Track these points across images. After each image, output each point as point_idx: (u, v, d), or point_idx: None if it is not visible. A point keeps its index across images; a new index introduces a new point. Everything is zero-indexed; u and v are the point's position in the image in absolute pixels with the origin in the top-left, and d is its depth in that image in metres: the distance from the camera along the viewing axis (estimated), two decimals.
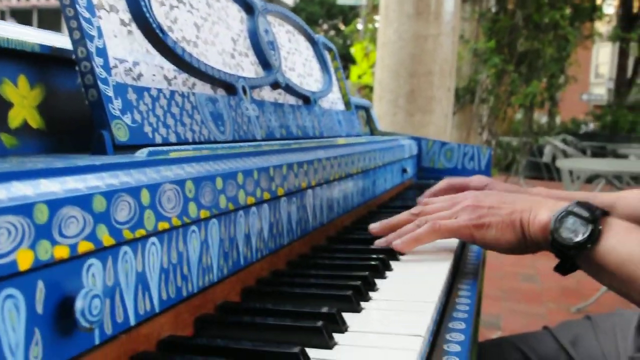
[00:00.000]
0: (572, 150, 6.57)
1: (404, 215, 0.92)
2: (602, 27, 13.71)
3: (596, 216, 0.71)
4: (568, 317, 2.23)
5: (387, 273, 0.78)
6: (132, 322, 0.46)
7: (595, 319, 1.07)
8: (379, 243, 0.89)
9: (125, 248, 0.45)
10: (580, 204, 0.73)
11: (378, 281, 0.73)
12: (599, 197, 1.12)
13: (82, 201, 0.40)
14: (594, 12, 7.50)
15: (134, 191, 0.45)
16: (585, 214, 0.71)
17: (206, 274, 0.57)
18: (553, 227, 0.73)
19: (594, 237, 0.70)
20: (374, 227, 0.94)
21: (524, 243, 0.78)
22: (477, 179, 1.14)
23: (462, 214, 0.83)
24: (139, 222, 0.46)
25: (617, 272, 0.68)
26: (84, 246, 0.40)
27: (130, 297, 0.46)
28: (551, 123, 8.92)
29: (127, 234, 0.44)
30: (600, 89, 19.51)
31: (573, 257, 0.73)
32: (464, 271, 0.86)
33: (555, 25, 6.03)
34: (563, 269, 0.76)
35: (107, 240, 0.42)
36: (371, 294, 0.68)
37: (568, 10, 6.40)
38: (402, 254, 0.87)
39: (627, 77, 13.55)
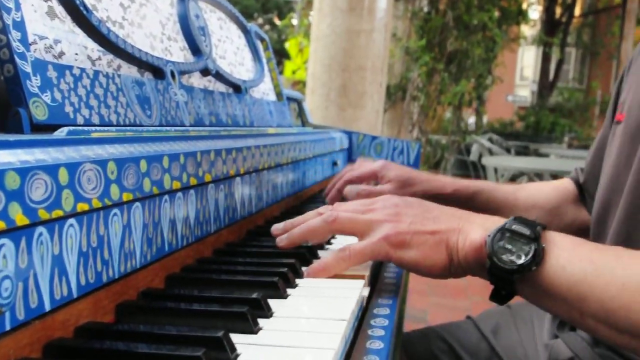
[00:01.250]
0: (498, 149, 6.79)
1: (316, 221, 0.76)
2: (528, 31, 14.24)
3: (537, 233, 0.63)
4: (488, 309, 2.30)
5: (314, 260, 0.78)
6: (47, 307, 0.44)
7: (514, 308, 1.11)
8: (280, 245, 0.77)
9: (41, 229, 0.43)
10: (517, 219, 0.65)
11: (305, 269, 0.73)
12: (502, 188, 1.17)
13: None
14: (520, 15, 7.77)
15: (51, 169, 0.43)
16: (526, 231, 0.63)
17: (128, 260, 0.55)
18: (490, 251, 0.63)
19: (539, 257, 0.61)
20: (276, 228, 0.81)
21: (449, 268, 0.68)
22: (372, 164, 1.13)
23: (378, 227, 0.70)
24: (56, 202, 0.44)
25: (567, 294, 0.60)
26: None
27: (46, 282, 0.44)
28: (478, 122, 9.19)
29: (43, 214, 0.42)
30: (524, 91, 20.26)
31: (514, 282, 0.63)
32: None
33: (484, 27, 6.22)
34: (499, 297, 0.66)
35: (20, 219, 0.40)
36: (298, 280, 0.68)
37: (496, 13, 6.60)
38: (329, 242, 0.88)
39: (549, 80, 14.13)
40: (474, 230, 0.66)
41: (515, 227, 0.63)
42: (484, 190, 1.14)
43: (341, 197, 1.17)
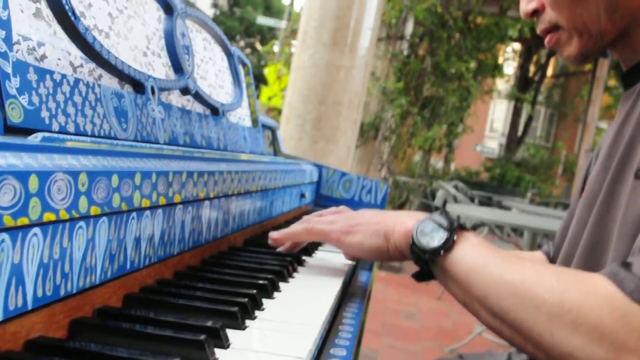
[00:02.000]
0: (462, 197, 6.88)
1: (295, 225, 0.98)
2: (501, 85, 14.60)
3: (453, 226, 0.75)
4: (442, 357, 2.30)
5: (275, 294, 0.77)
6: (0, 317, 0.42)
7: (467, 358, 1.11)
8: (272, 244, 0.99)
9: (4, 235, 0.41)
10: (442, 213, 0.78)
11: (265, 301, 0.72)
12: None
13: None
14: (496, 69, 7.96)
15: (22, 175, 0.42)
16: (444, 222, 0.76)
17: (88, 275, 0.54)
18: (414, 233, 0.77)
19: (448, 244, 0.74)
20: (271, 235, 0.98)
21: (387, 250, 0.83)
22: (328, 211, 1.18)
23: (337, 222, 0.90)
24: (23, 209, 0.42)
25: (462, 281, 0.72)
26: None
27: (1, 290, 0.42)
28: (446, 168, 9.31)
29: (8, 221, 0.41)
30: (493, 143, 20.65)
31: (427, 262, 0.76)
32: (350, 298, 0.87)
33: (460, 77, 6.34)
34: (420, 275, 0.81)
35: None
36: (257, 312, 0.67)
37: (473, 64, 6.75)
38: (290, 276, 0.87)
39: (518, 135, 14.45)
40: (409, 220, 0.81)
41: (438, 218, 0.77)
42: None
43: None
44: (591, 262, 0.77)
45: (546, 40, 0.84)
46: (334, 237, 0.88)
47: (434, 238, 0.75)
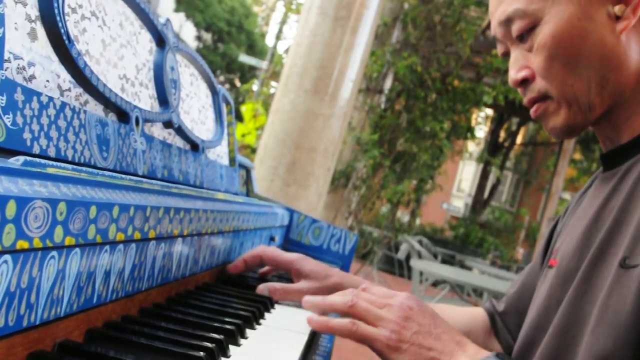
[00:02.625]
0: (426, 253, 6.90)
1: (338, 299, 0.82)
2: (472, 147, 14.89)
3: None
4: None
5: (242, 340, 0.75)
6: None
7: None
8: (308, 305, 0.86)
9: None
10: (500, 355, 0.71)
11: (232, 347, 0.70)
12: (456, 309, 1.18)
13: None
14: (469, 132, 8.13)
15: (0, 200, 0.41)
16: None
17: (54, 307, 0.52)
18: None
19: None
20: (308, 299, 0.86)
21: None
22: (287, 254, 1.11)
23: (385, 325, 0.76)
24: None
25: None
26: None
27: None
28: (412, 223, 9.37)
29: None
30: (459, 202, 20.92)
31: None
32: (315, 352, 0.85)
33: (434, 135, 6.46)
34: None
35: None
36: (223, 359, 0.65)
37: (447, 125, 6.89)
38: (258, 323, 0.85)
39: (484, 197, 14.67)
40: (463, 357, 0.72)
41: None
42: None
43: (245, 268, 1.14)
44: (565, 341, 0.77)
45: (532, 110, 0.83)
46: (377, 347, 0.75)
47: None
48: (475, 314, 1.16)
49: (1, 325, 0.45)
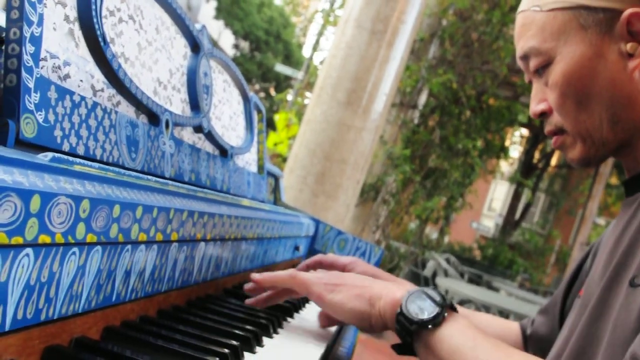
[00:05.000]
0: (452, 271, 6.83)
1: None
2: (505, 167, 14.70)
3: (445, 302, 0.75)
4: None
5: (258, 348, 0.75)
6: None
7: None
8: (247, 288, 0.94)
9: None
10: (436, 289, 0.78)
11: (247, 355, 0.70)
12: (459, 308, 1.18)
13: None
14: (502, 151, 8.04)
15: (25, 194, 0.41)
16: (437, 297, 0.75)
17: (72, 302, 0.52)
18: (404, 303, 0.76)
19: (437, 320, 0.73)
20: (253, 276, 0.94)
21: (369, 316, 0.81)
22: (343, 257, 1.18)
23: (322, 278, 0.87)
24: (20, 228, 0.41)
25: (447, 359, 0.71)
26: None
27: None
28: (440, 240, 9.28)
29: (2, 238, 0.40)
30: (489, 222, 20.66)
31: (412, 333, 0.75)
32: None
33: (466, 153, 6.40)
34: (401, 347, 0.78)
35: None
36: None
37: (480, 143, 6.83)
38: (275, 332, 0.85)
39: (515, 219, 14.46)
40: (399, 290, 0.80)
41: (431, 292, 0.77)
42: None
43: None
44: None
45: (552, 141, 0.86)
46: (316, 290, 0.85)
47: (424, 311, 0.74)
48: (509, 327, 1.16)
49: (20, 317, 0.45)
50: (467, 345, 0.70)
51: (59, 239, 0.47)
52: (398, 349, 0.79)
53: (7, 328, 0.44)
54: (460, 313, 1.18)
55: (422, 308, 0.75)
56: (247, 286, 0.95)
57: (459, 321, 0.74)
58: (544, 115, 0.85)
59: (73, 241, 0.49)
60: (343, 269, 1.22)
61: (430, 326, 0.73)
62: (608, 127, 0.79)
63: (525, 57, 0.83)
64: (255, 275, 0.93)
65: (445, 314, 0.74)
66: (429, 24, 6.19)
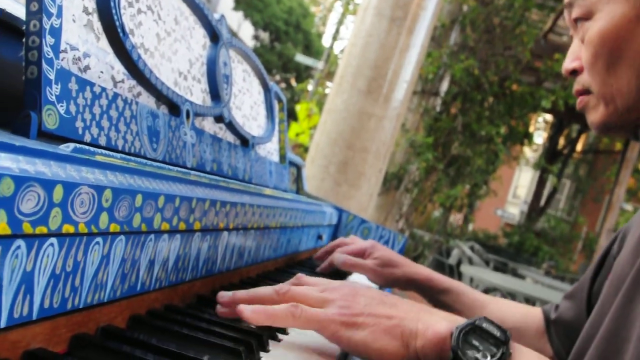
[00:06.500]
0: (477, 259, 6.79)
1: (267, 290, 0.72)
2: (529, 153, 14.54)
3: (507, 337, 0.63)
4: None
5: (282, 336, 0.75)
6: (2, 324, 0.41)
7: None
8: (220, 311, 0.72)
9: (20, 242, 0.40)
10: (487, 319, 0.64)
11: (272, 342, 0.70)
12: (474, 294, 1.18)
13: None
14: (526, 137, 7.95)
15: (48, 184, 0.42)
16: (496, 332, 0.63)
17: (97, 291, 0.53)
18: (456, 344, 0.61)
19: None
20: (223, 295, 0.73)
21: (402, 356, 0.64)
22: (362, 241, 1.21)
23: (331, 305, 0.68)
24: (44, 218, 0.42)
25: None
26: None
27: (9, 297, 0.41)
28: (464, 228, 9.23)
29: (27, 228, 0.40)
30: (514, 209, 20.48)
31: None
32: None
33: (490, 140, 6.34)
34: None
35: (2, 228, 0.38)
36: (262, 354, 0.65)
37: (504, 129, 6.76)
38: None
39: (540, 205, 14.31)
40: (438, 322, 0.65)
41: (486, 325, 0.63)
42: (457, 290, 1.17)
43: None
44: (612, 347, 0.74)
45: (577, 102, 0.84)
46: (329, 329, 0.66)
47: (485, 352, 0.61)
48: (531, 313, 1.14)
49: (46, 306, 0.46)
50: None
51: (82, 228, 0.47)
52: None
53: (34, 317, 0.45)
54: (482, 300, 1.17)
55: (481, 349, 0.61)
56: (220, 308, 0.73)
57: (527, 355, 0.64)
58: (575, 73, 0.83)
59: (96, 231, 0.49)
60: (363, 253, 1.24)
61: None
62: (636, 94, 0.76)
63: (570, 5, 0.81)
64: (245, 311, 0.67)
65: (511, 351, 0.62)
66: (450, 9, 6.13)
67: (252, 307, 0.67)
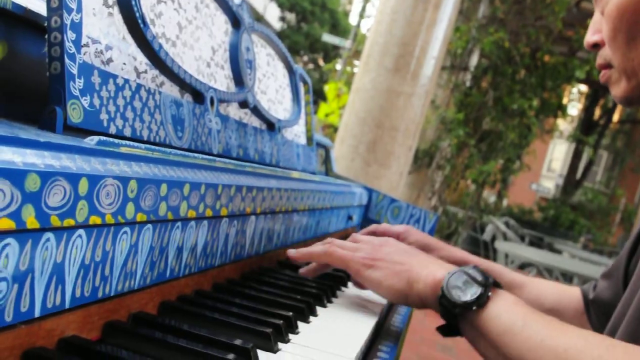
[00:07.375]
0: (512, 235, 6.73)
1: (320, 243, 0.94)
2: (563, 125, 14.26)
3: (488, 282, 0.72)
4: None
5: (312, 318, 0.76)
6: (37, 313, 0.43)
7: None
8: (291, 255, 0.93)
9: (49, 234, 0.42)
10: (477, 268, 0.74)
11: (301, 324, 0.71)
12: (511, 274, 1.16)
13: (15, 176, 0.37)
14: (559, 110, 7.80)
15: (73, 178, 0.43)
16: (479, 277, 0.72)
17: (127, 279, 0.54)
18: (444, 284, 0.73)
19: (482, 300, 0.70)
20: (290, 252, 0.94)
21: (406, 296, 0.80)
22: (396, 226, 1.21)
23: (360, 251, 0.87)
24: (71, 211, 0.43)
25: (495, 341, 0.68)
26: (4, 223, 0.37)
27: (42, 287, 0.43)
28: (498, 204, 9.14)
29: (55, 221, 0.41)
30: (549, 183, 20.17)
31: (457, 316, 0.72)
32: (387, 332, 0.85)
33: (522, 113, 6.24)
34: (445, 329, 0.77)
35: (31, 222, 0.39)
36: (291, 336, 0.66)
37: (536, 102, 6.64)
38: (329, 302, 0.86)
39: (576, 178, 14.07)
40: (438, 270, 0.78)
41: (472, 272, 0.73)
42: (492, 270, 1.15)
43: None
44: None
45: (600, 75, 0.84)
46: (353, 267, 0.85)
47: (466, 292, 0.71)
48: (568, 292, 1.13)
49: (78, 295, 0.47)
50: (516, 324, 0.67)
51: (109, 219, 0.48)
52: (444, 331, 0.77)
53: (67, 306, 0.46)
54: (519, 280, 1.16)
55: (465, 289, 0.72)
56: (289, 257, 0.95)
57: (505, 299, 0.71)
58: (597, 46, 0.82)
59: (123, 221, 0.50)
60: (397, 238, 1.23)
61: (474, 307, 0.70)
62: None
63: None
64: (291, 252, 0.92)
65: (490, 293, 0.71)
66: None
67: (298, 250, 0.92)
